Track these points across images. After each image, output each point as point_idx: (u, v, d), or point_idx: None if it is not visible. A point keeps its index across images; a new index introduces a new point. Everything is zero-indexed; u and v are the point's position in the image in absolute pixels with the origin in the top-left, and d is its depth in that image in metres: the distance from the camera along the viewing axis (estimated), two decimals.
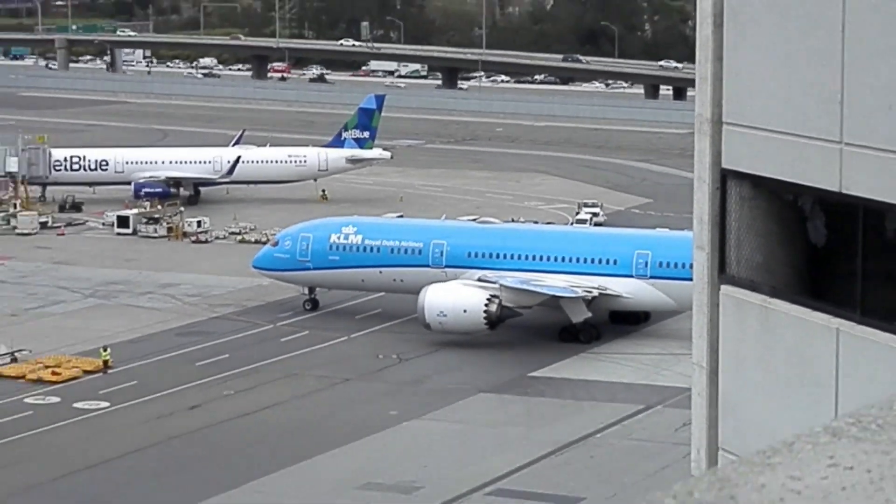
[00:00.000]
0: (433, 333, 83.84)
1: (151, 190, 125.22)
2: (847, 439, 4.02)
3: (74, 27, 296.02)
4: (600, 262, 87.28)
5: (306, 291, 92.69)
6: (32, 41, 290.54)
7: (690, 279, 18.19)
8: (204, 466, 63.97)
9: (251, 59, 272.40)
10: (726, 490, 3.72)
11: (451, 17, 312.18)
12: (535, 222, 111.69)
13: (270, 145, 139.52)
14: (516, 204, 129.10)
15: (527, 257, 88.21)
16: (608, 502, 59.41)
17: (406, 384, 77.58)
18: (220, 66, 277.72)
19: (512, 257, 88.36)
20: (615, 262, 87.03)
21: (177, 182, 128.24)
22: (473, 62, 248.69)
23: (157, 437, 68.28)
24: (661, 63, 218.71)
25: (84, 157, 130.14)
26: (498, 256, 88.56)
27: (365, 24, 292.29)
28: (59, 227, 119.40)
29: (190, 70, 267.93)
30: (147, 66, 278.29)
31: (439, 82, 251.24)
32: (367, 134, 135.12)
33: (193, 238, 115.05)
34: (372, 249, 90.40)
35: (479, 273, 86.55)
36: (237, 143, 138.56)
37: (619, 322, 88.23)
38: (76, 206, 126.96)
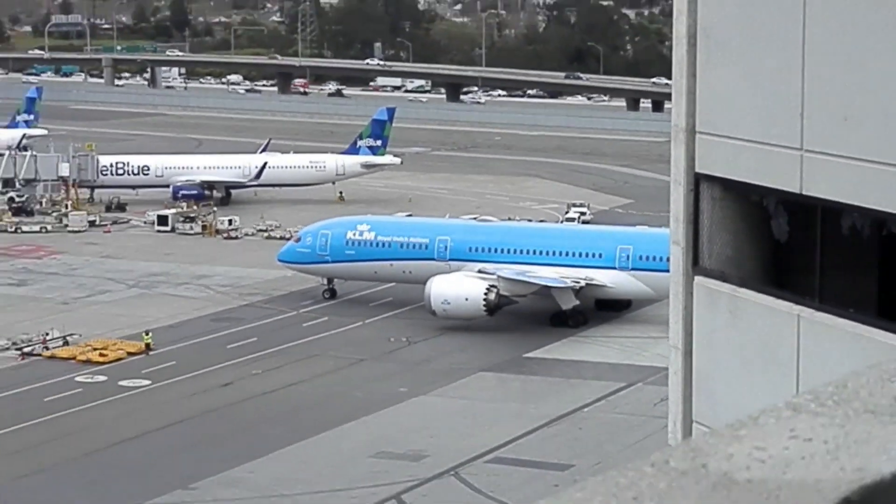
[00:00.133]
0: (438, 319, 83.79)
1: (188, 192, 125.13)
2: (806, 414, 4.02)
3: (119, 48, 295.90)
4: (587, 255, 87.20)
5: (325, 282, 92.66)
6: (82, 60, 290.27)
7: (668, 271, 18.16)
8: (235, 437, 63.99)
9: (277, 76, 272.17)
10: (698, 459, 3.72)
11: (454, 38, 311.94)
12: (529, 220, 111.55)
13: (293, 152, 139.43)
14: (512, 204, 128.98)
15: (522, 251, 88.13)
16: (595, 469, 59.35)
17: (414, 364, 77.55)
18: (248, 83, 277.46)
19: (508, 251, 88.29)
20: (600, 255, 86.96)
21: (210, 185, 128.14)
22: (474, 78, 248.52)
23: (193, 412, 68.30)
24: (654, 80, 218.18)
25: (128, 163, 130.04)
26: (496, 251, 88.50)
27: (377, 44, 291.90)
28: (106, 225, 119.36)
29: (235, 87, 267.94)
30: (183, 82, 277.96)
31: (441, 96, 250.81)
32: (379, 142, 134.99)
33: (225, 235, 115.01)
34: (384, 245, 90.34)
35: (480, 265, 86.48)
36: (264, 150, 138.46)
37: (604, 309, 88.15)
38: (121, 207, 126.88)
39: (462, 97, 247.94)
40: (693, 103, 16.86)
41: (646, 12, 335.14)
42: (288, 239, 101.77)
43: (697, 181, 16.94)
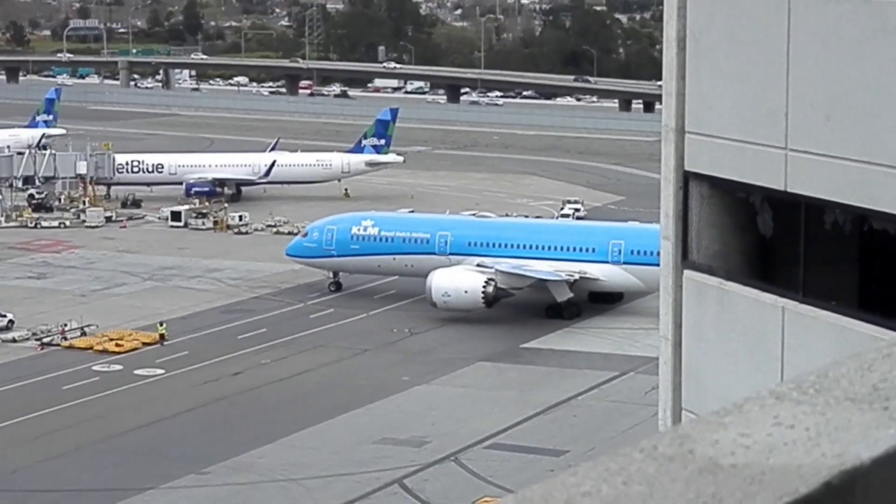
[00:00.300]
0: (439, 311, 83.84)
1: (200, 189, 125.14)
2: (789, 402, 4.01)
3: (134, 51, 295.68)
4: (581, 250, 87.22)
5: (331, 275, 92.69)
6: (98, 63, 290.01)
7: (658, 265, 18.16)
8: (245, 424, 64.02)
9: (285, 78, 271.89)
10: (686, 445, 3.72)
11: (454, 42, 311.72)
12: (526, 216, 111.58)
13: (301, 151, 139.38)
14: (510, 201, 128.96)
15: (519, 246, 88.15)
16: (588, 455, 59.38)
17: (416, 354, 77.59)
18: (255, 85, 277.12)
19: (506, 246, 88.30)
20: (594, 250, 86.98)
21: (222, 182, 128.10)
22: (474, 80, 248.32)
23: (205, 399, 68.35)
24: (659, 84, 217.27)
25: (143, 162, 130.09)
26: (494, 245, 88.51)
27: (381, 48, 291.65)
28: (122, 220, 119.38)
29: (259, 88, 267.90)
30: (195, 83, 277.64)
31: (441, 97, 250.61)
32: (383, 141, 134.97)
33: (236, 230, 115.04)
34: (387, 240, 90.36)
35: (478, 259, 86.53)
36: (273, 149, 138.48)
37: (597, 301, 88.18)
38: (136, 203, 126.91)
39: (462, 97, 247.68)
40: (682, 104, 16.85)
41: (637, 17, 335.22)
42: (296, 234, 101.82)
43: (686, 179, 16.93)
